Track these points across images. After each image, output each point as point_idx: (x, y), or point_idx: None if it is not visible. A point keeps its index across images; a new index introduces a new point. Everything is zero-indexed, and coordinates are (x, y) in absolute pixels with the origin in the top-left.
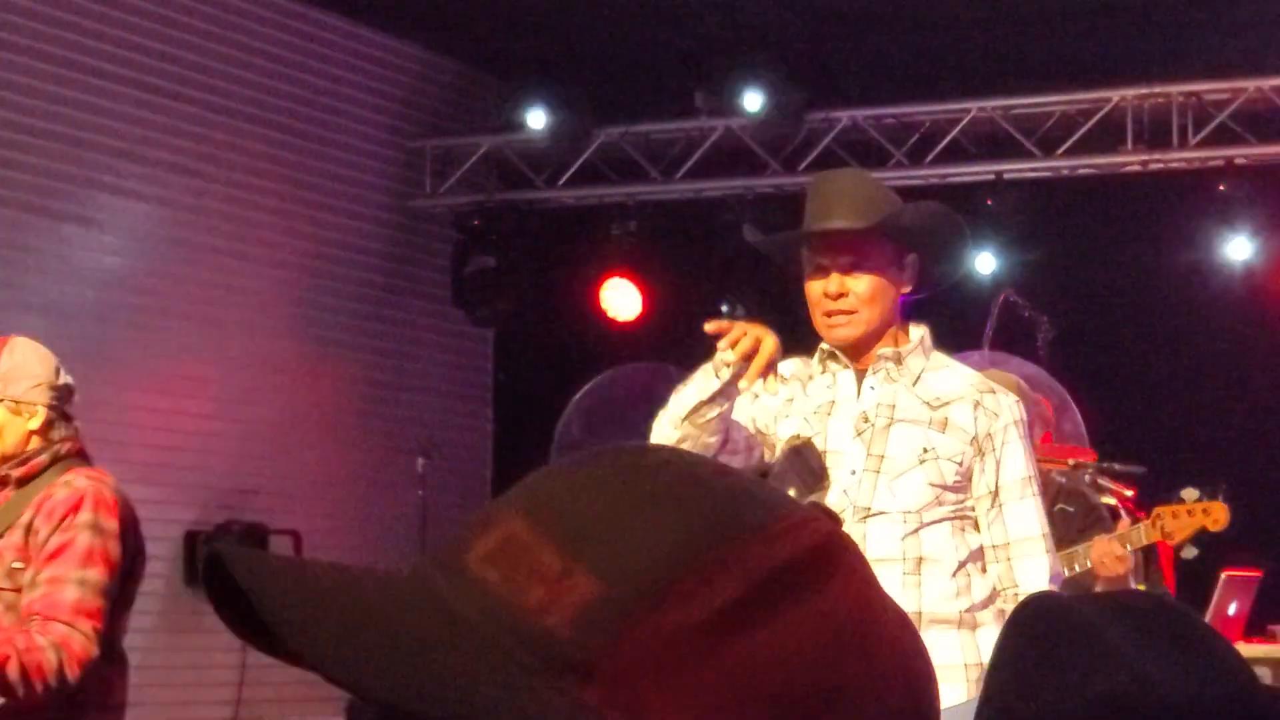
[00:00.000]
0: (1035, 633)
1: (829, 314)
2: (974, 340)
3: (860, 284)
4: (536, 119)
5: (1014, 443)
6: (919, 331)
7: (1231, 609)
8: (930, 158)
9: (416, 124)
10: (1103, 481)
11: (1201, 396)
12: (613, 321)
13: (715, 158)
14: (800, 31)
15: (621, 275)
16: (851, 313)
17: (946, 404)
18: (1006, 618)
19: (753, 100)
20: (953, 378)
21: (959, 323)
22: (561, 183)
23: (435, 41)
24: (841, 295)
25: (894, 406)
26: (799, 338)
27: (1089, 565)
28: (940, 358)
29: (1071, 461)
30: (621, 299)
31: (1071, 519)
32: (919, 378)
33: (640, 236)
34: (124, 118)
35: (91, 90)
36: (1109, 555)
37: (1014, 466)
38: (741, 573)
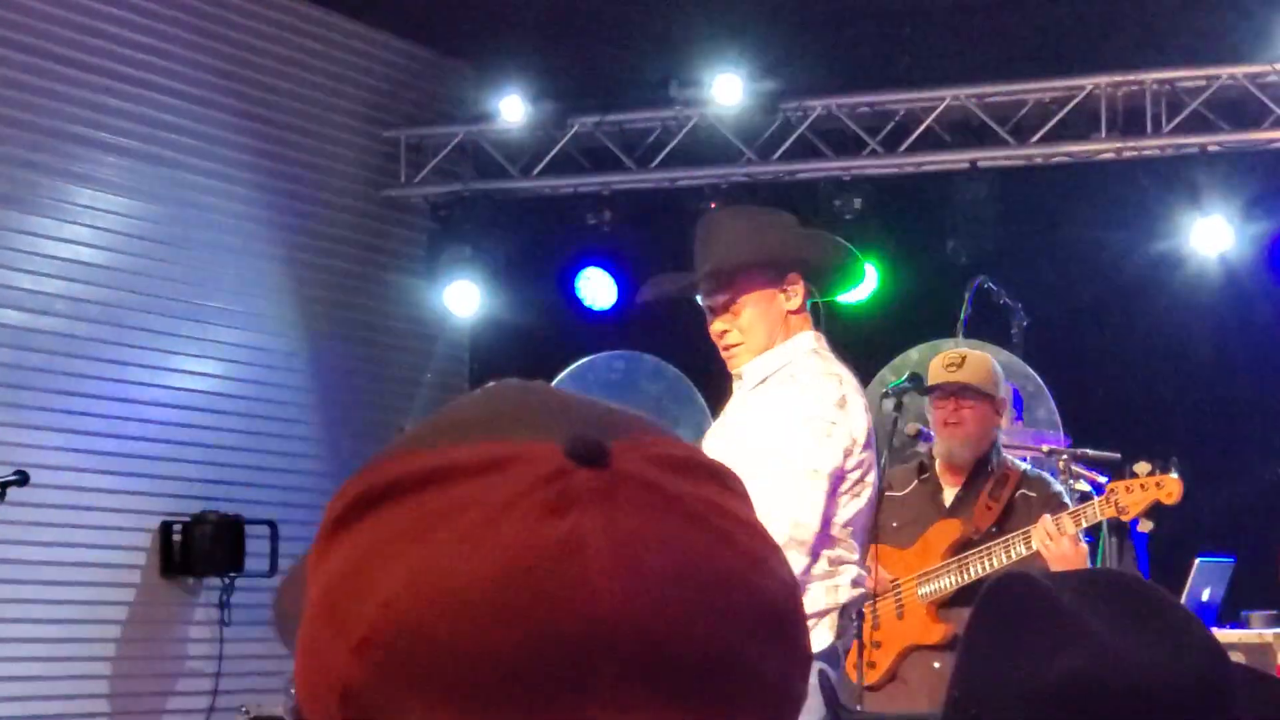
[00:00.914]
0: (1003, 611)
1: (724, 350)
2: (948, 328)
3: (740, 318)
4: (511, 108)
5: (780, 417)
6: (793, 342)
7: (1205, 595)
8: (904, 146)
9: (391, 113)
10: (1076, 468)
11: (1176, 383)
12: (588, 310)
13: (690, 147)
14: (774, 21)
15: (597, 264)
16: (738, 344)
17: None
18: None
19: (727, 90)
20: (785, 379)
21: (933, 311)
22: (536, 172)
23: (410, 30)
24: (725, 332)
25: (727, 416)
26: None
27: (1039, 541)
28: (808, 362)
29: (1046, 448)
30: (597, 288)
31: (1032, 505)
32: (758, 385)
33: (615, 226)
34: (97, 108)
35: (63, 80)
36: (1050, 532)
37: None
38: (351, 489)
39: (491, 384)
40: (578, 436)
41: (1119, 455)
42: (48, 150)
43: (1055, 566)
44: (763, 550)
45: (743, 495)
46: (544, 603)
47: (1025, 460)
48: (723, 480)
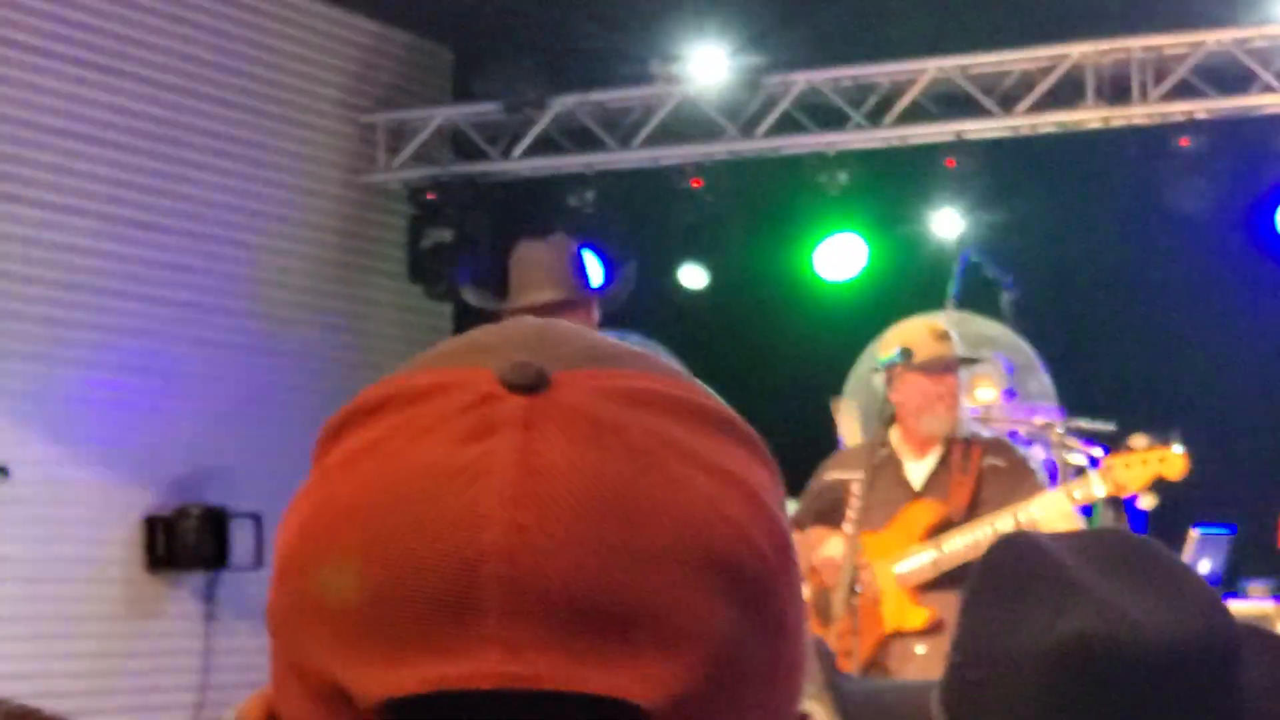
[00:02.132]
0: (1005, 573)
1: None
2: (937, 302)
3: None
4: (490, 90)
5: None
6: None
7: (1204, 567)
8: (889, 119)
9: (368, 98)
10: (1070, 441)
11: (1169, 352)
12: None
13: (672, 125)
14: None
15: (581, 245)
16: None
17: None
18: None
19: (708, 66)
20: None
21: (922, 285)
22: (517, 154)
23: (385, 13)
24: None
25: None
26: (754, 305)
27: (1031, 520)
28: None
29: (1039, 420)
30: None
31: (1001, 474)
32: None
33: (598, 206)
34: (70, 97)
35: (37, 70)
36: (1059, 514)
37: None
38: (322, 430)
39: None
40: (515, 363)
41: (1114, 426)
42: (18, 140)
43: None
44: (723, 494)
45: (746, 446)
46: (429, 530)
47: (1017, 435)
48: (706, 419)
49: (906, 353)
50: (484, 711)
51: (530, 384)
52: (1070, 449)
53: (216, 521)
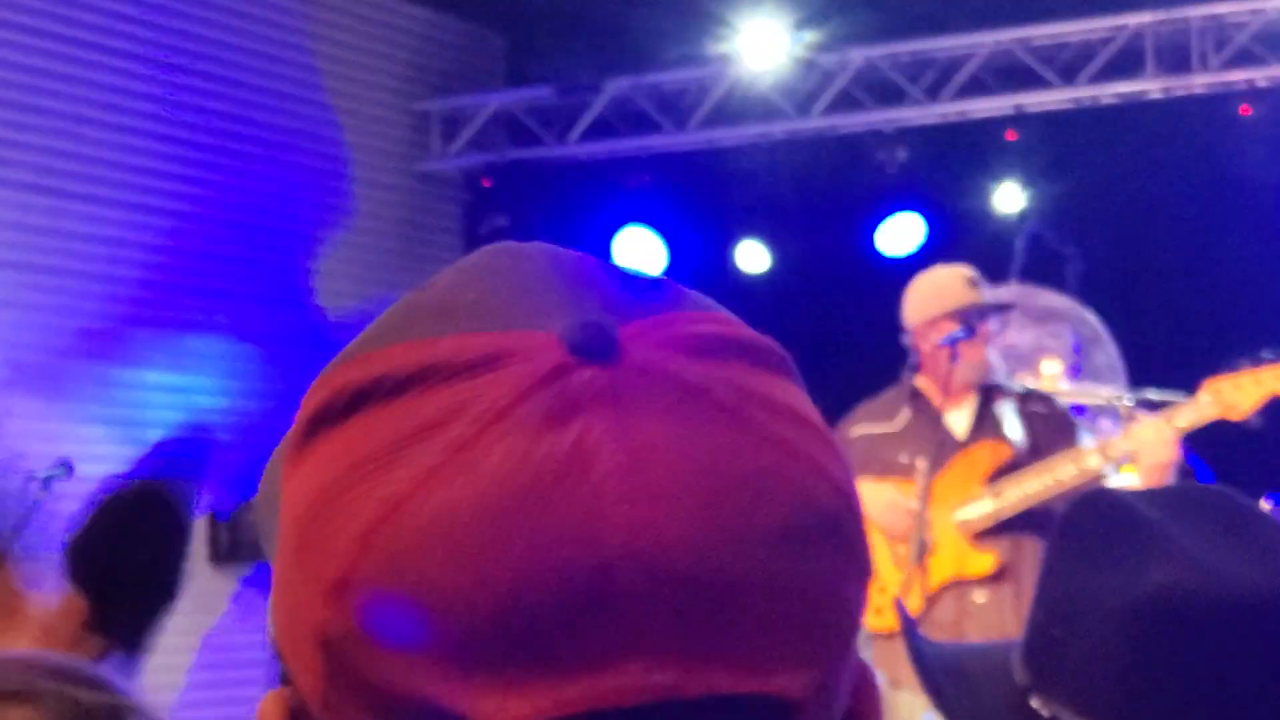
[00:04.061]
0: (1088, 529)
1: None
2: (1001, 275)
3: None
4: (544, 74)
5: None
6: None
7: None
8: (948, 93)
9: (422, 85)
10: (1139, 413)
11: (1235, 321)
12: None
13: (728, 105)
14: None
15: (638, 228)
16: None
17: None
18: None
19: (763, 44)
20: None
21: (984, 260)
22: (573, 138)
23: (437, 0)
24: None
25: None
26: (815, 285)
27: (1126, 451)
28: None
29: (1105, 393)
30: (639, 252)
31: (1045, 420)
32: None
33: (655, 188)
34: (123, 92)
35: (91, 66)
36: (1159, 441)
37: None
38: (317, 393)
39: (481, 251)
40: (579, 324)
41: (1182, 398)
42: (75, 136)
43: (1149, 477)
44: (810, 443)
45: (790, 375)
46: (545, 538)
47: (1084, 410)
48: (765, 359)
49: (969, 329)
50: None
51: (604, 350)
52: (1139, 421)
53: None
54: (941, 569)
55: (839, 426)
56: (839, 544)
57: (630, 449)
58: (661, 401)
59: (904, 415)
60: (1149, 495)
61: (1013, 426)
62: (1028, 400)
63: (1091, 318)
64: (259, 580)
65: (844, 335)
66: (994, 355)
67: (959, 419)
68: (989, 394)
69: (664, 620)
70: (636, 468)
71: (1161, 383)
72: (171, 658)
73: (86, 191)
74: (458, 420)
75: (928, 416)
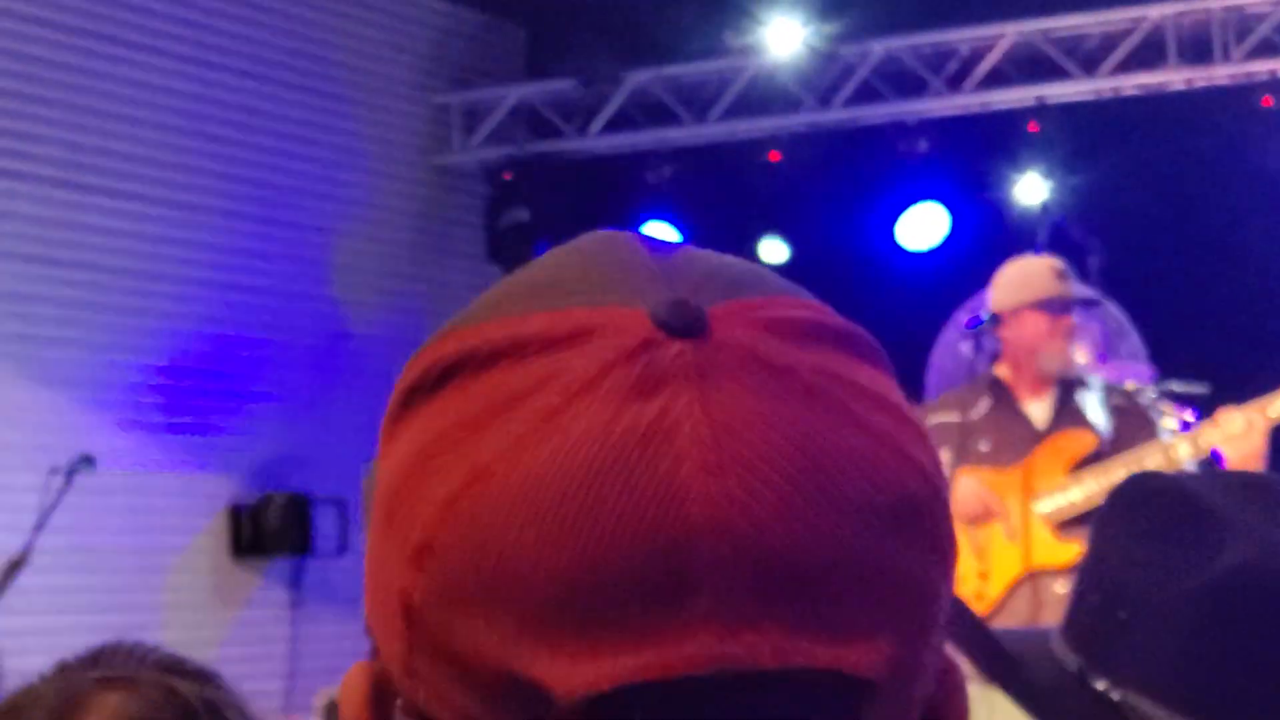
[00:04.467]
0: (1146, 511)
1: None
2: None
3: None
4: (564, 67)
5: None
6: None
7: None
8: (969, 84)
9: (441, 78)
10: (1163, 404)
11: (1259, 311)
12: None
13: (748, 97)
14: None
15: (659, 221)
16: None
17: None
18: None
19: (784, 36)
20: None
21: (1006, 251)
22: (593, 131)
23: None
24: None
25: None
26: (835, 278)
27: (1217, 441)
28: None
29: (1130, 385)
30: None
31: (1125, 413)
32: None
33: (676, 182)
34: (144, 86)
35: (115, 60)
36: (1252, 428)
37: None
38: (412, 370)
39: (581, 236)
40: (669, 301)
41: (1207, 388)
42: (94, 129)
43: (1241, 467)
44: (896, 428)
45: (879, 363)
46: (626, 506)
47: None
48: (854, 346)
49: (994, 318)
50: (697, 697)
51: (691, 326)
52: (1164, 412)
53: (300, 508)
54: (1023, 559)
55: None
56: (922, 529)
57: (714, 422)
58: (747, 378)
59: (984, 404)
60: (1204, 479)
61: (1096, 417)
62: (1109, 393)
63: (1114, 309)
64: (281, 573)
65: (865, 327)
66: (1077, 348)
67: (1039, 409)
68: (1070, 386)
69: (740, 591)
70: (719, 440)
71: (1185, 374)
72: (195, 650)
73: (109, 185)
74: (545, 391)
75: (1007, 406)
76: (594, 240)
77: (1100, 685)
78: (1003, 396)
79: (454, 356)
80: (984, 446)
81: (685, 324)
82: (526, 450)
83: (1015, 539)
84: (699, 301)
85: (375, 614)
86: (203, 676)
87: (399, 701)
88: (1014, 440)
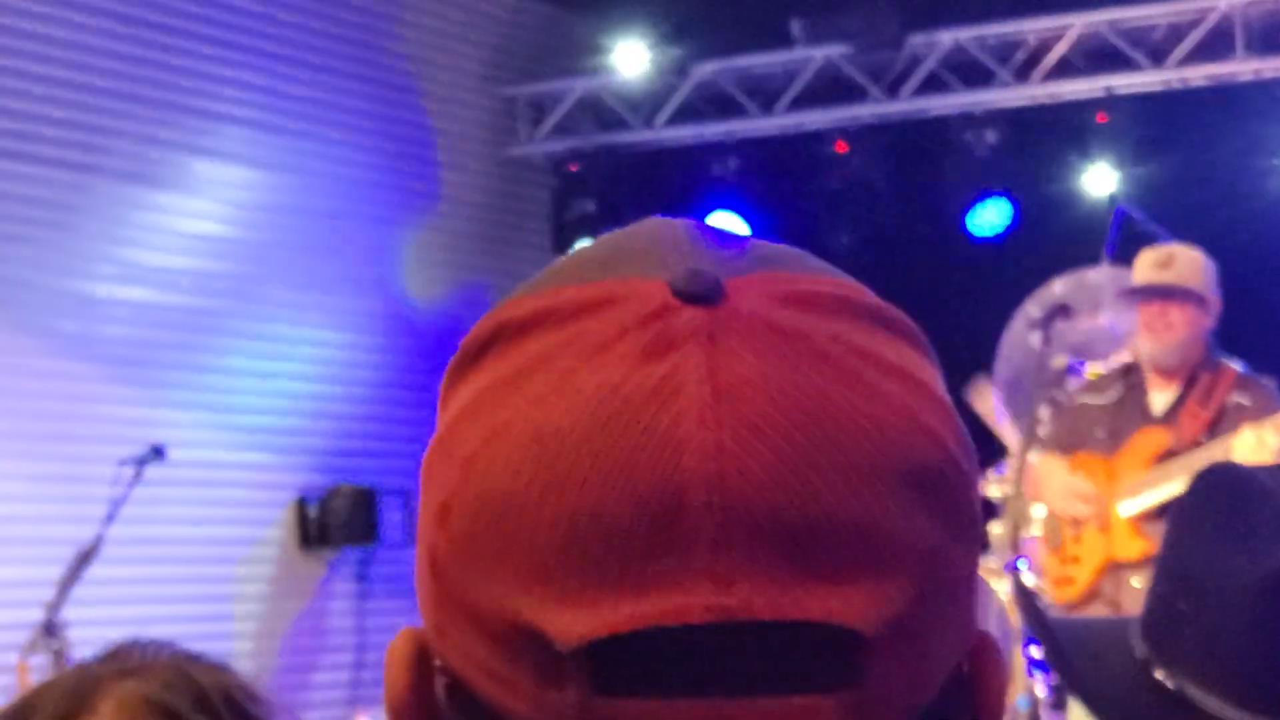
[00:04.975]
0: (1213, 503)
1: None
2: (1093, 257)
3: None
4: (630, 59)
5: None
6: None
7: None
8: (1037, 75)
9: (508, 71)
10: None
11: None
12: None
13: (815, 88)
14: None
15: (725, 213)
16: None
17: None
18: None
19: (850, 27)
20: None
21: (1074, 241)
22: (659, 123)
23: None
24: None
25: None
26: (902, 269)
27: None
28: None
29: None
30: None
31: (1245, 412)
32: None
33: (742, 174)
34: (216, 79)
35: (178, 53)
36: (1252, 445)
37: None
38: (461, 344)
39: (635, 224)
40: (687, 271)
41: (1274, 381)
42: (168, 124)
43: None
44: (912, 397)
45: (913, 342)
46: (626, 457)
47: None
48: (882, 321)
49: (1062, 309)
50: (691, 648)
51: (707, 293)
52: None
53: (367, 500)
54: (1106, 549)
55: (1071, 393)
56: (932, 496)
57: (717, 381)
58: (757, 343)
59: (1116, 389)
60: (1274, 471)
61: (1204, 409)
62: (1237, 388)
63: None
64: (347, 565)
65: (932, 318)
66: (1188, 337)
67: (1161, 399)
68: (1199, 377)
69: (735, 543)
70: (720, 398)
71: (1254, 364)
72: (261, 641)
73: (178, 179)
74: (565, 354)
75: (1136, 392)
76: (640, 223)
77: (1158, 674)
78: (1134, 382)
79: (491, 329)
80: (1100, 433)
81: (701, 292)
82: (539, 408)
83: (1104, 529)
84: (720, 273)
85: (417, 579)
86: (216, 666)
87: (438, 663)
88: (1127, 428)
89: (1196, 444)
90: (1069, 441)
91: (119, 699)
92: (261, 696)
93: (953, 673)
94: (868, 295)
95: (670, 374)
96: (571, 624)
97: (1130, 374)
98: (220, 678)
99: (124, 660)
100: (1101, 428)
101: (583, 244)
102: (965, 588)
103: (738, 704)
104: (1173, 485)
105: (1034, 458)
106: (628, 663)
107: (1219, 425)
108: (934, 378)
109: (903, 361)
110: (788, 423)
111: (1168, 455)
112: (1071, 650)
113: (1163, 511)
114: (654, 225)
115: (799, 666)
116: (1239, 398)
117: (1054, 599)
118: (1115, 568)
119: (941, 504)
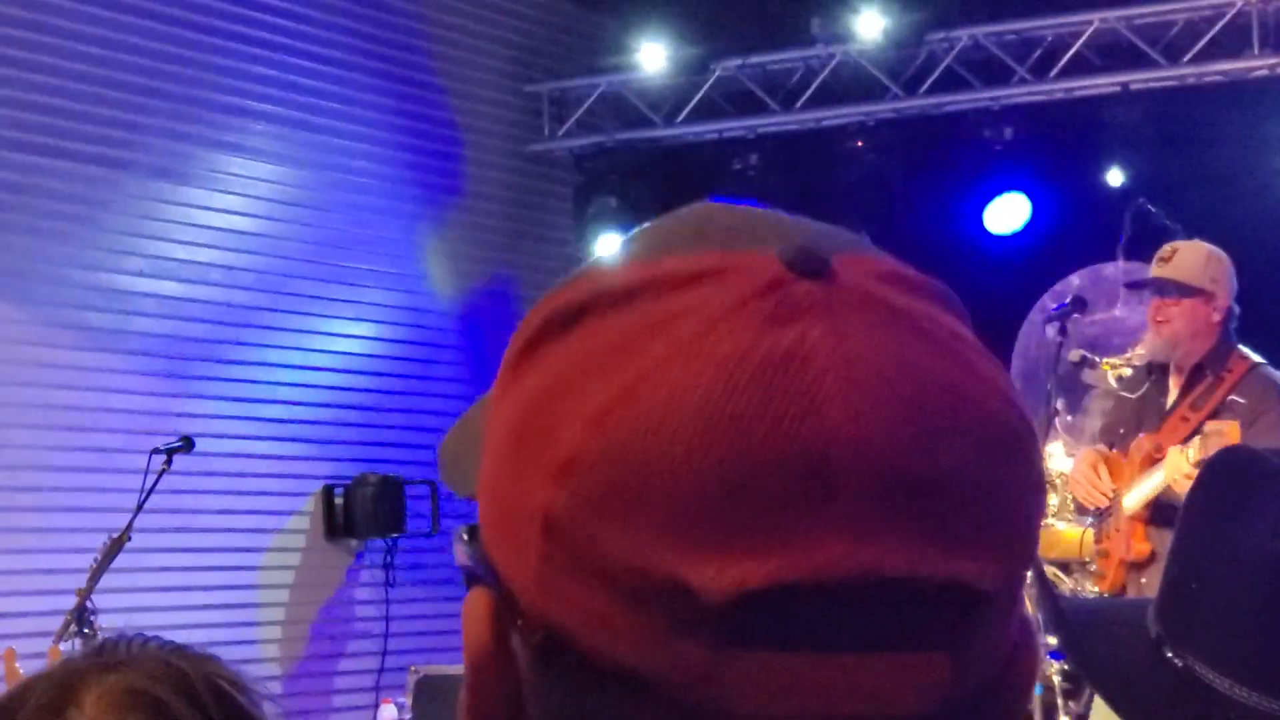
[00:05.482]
0: (1222, 485)
1: None
2: (1108, 252)
3: None
4: (652, 56)
5: None
6: None
7: None
8: (1054, 72)
9: (532, 67)
10: None
11: None
12: None
13: (834, 86)
14: None
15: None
16: None
17: None
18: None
19: (870, 24)
20: None
21: (1090, 236)
22: (680, 119)
23: None
24: None
25: None
26: (919, 264)
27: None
28: None
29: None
30: None
31: (1237, 410)
32: None
33: (762, 169)
34: (245, 76)
35: (206, 49)
36: (1179, 474)
37: None
38: (540, 313)
39: (694, 205)
40: (797, 247)
41: None
42: (196, 120)
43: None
44: (993, 371)
45: (966, 321)
46: (768, 417)
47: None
48: (946, 301)
49: (1078, 302)
50: (822, 603)
51: (817, 269)
52: None
53: (393, 490)
54: (1121, 547)
55: (1111, 389)
56: (1020, 458)
57: (845, 350)
58: (870, 316)
59: (1145, 386)
60: None
61: (1196, 412)
62: (1239, 387)
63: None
64: (374, 554)
65: None
66: (1187, 331)
67: (1173, 395)
68: (1200, 375)
69: (872, 501)
70: (850, 366)
71: (1270, 361)
72: (288, 629)
73: (207, 174)
74: (687, 320)
75: (1158, 389)
76: (711, 203)
77: (1169, 653)
78: (1160, 380)
79: (585, 297)
80: (1121, 429)
81: (813, 267)
82: (670, 371)
83: (1119, 527)
84: (824, 250)
85: (501, 539)
86: (201, 656)
87: (519, 622)
88: (1147, 425)
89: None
90: (1108, 439)
91: (102, 691)
92: (247, 686)
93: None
94: (931, 279)
95: (799, 340)
96: (716, 576)
97: (1154, 370)
98: (205, 667)
99: (109, 654)
100: (1128, 424)
101: (608, 237)
102: (1034, 547)
103: (861, 658)
104: (1149, 485)
105: (1051, 449)
106: (761, 616)
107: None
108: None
109: (970, 335)
110: (910, 391)
111: (1153, 459)
112: (1082, 631)
113: (1156, 513)
114: (731, 205)
115: (922, 623)
116: (1238, 395)
117: (1096, 590)
118: (1129, 565)
119: (1024, 463)
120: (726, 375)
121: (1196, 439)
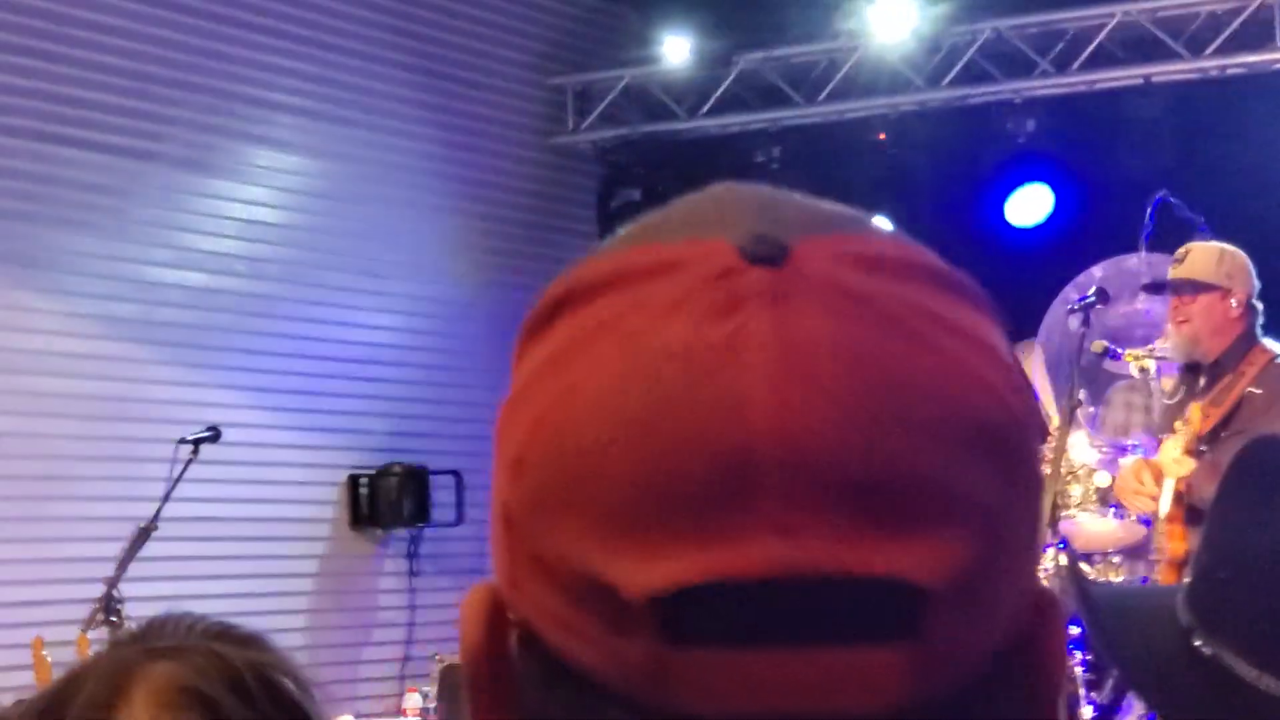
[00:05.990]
0: (1252, 476)
1: None
2: (1130, 244)
3: None
4: (676, 49)
5: None
6: None
7: None
8: (1077, 65)
9: (556, 61)
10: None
11: None
12: None
13: (857, 78)
14: None
15: None
16: None
17: None
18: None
19: (892, 17)
20: None
21: (1113, 228)
22: (703, 112)
23: None
24: None
25: None
26: (940, 256)
27: None
28: None
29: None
30: None
31: (1254, 401)
32: None
33: (785, 162)
34: (270, 68)
35: (234, 42)
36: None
37: None
38: (529, 312)
39: (707, 188)
40: (754, 233)
41: None
42: (223, 112)
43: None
44: (976, 356)
45: (978, 304)
46: (694, 413)
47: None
48: (948, 283)
49: (1101, 293)
50: (757, 600)
51: (772, 255)
52: None
53: (418, 480)
54: (1166, 547)
55: (1160, 393)
56: (995, 453)
57: (783, 339)
58: (822, 303)
59: (1182, 387)
60: None
61: (1216, 408)
62: (1257, 379)
63: None
64: (399, 544)
65: None
66: (1205, 329)
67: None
68: (1220, 371)
69: (801, 498)
70: (786, 355)
71: None
72: (313, 618)
73: (233, 166)
74: (634, 315)
75: (1191, 391)
76: (711, 188)
77: (1197, 642)
78: (1193, 382)
79: (562, 292)
80: (1159, 433)
81: (766, 253)
82: (607, 366)
83: (1161, 527)
84: (786, 235)
85: (491, 536)
86: (249, 641)
87: (512, 616)
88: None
89: (1210, 440)
90: (1157, 445)
91: (153, 687)
92: (295, 672)
93: (1014, 629)
94: (932, 258)
95: (736, 332)
96: (639, 576)
97: (1185, 372)
98: (254, 655)
99: (158, 638)
100: (1166, 428)
101: (667, 205)
102: (1026, 544)
103: (802, 655)
104: (1168, 484)
105: (1073, 439)
106: (695, 614)
107: (1235, 419)
108: (998, 338)
109: (966, 322)
110: (852, 380)
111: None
112: (1111, 619)
113: (1194, 511)
114: (723, 190)
115: (862, 619)
116: (1255, 387)
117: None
118: (1178, 565)
119: (1003, 461)
120: (656, 368)
121: (1178, 425)
